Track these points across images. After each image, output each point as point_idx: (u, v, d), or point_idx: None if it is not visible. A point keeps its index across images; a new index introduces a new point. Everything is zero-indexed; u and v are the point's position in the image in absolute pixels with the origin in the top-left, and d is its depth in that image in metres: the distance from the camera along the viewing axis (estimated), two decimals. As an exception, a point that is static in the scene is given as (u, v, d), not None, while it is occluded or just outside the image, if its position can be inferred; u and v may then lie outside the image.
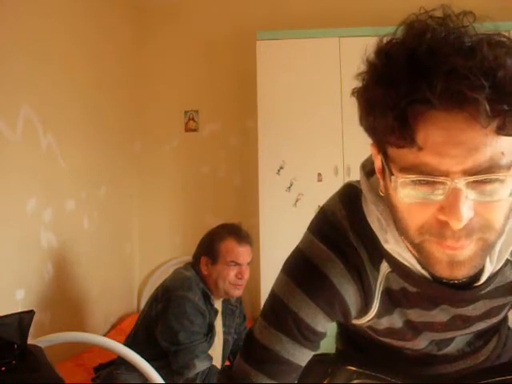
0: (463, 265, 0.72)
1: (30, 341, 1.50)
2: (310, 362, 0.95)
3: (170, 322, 2.02)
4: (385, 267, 0.87)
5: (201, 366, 1.96)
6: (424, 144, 0.66)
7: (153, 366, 1.84)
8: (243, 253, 2.16)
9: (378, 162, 0.76)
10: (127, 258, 3.59)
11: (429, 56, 0.67)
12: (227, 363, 2.33)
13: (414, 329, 0.93)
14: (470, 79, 0.63)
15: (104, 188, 3.23)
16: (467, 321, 0.90)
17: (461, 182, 0.66)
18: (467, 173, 0.66)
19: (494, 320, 0.93)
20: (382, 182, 0.77)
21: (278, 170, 3.25)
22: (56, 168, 2.67)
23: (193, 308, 2.03)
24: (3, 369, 1.37)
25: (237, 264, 2.13)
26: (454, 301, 0.87)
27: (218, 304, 2.20)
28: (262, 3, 3.72)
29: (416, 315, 0.90)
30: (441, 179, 0.67)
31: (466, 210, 0.67)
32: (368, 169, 0.87)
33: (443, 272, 0.74)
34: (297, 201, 3.23)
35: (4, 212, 2.23)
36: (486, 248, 0.73)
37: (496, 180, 0.67)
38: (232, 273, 2.12)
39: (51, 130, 2.59)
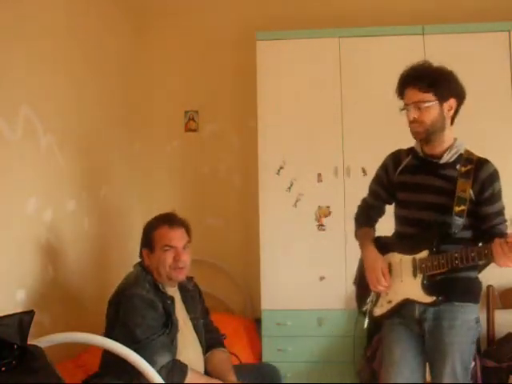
0: (425, 136, 1.95)
1: (30, 341, 1.50)
2: None
3: (123, 322, 2.03)
4: (409, 157, 2.07)
5: (161, 360, 1.96)
6: (405, 98, 1.97)
7: None
8: (175, 235, 2.17)
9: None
10: (128, 257, 3.58)
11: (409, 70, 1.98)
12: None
13: (418, 185, 1.99)
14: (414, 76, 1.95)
15: (104, 188, 3.23)
16: (436, 190, 1.94)
17: (410, 106, 1.92)
18: (411, 102, 1.92)
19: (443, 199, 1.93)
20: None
21: (278, 170, 3.25)
22: (56, 168, 2.66)
23: (141, 302, 2.04)
24: (3, 369, 1.37)
25: (171, 247, 2.15)
26: (431, 170, 1.97)
27: (172, 291, 2.20)
28: (261, 3, 3.72)
29: (418, 179, 2.00)
30: (405, 107, 1.95)
31: (413, 114, 1.92)
32: None
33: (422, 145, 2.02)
34: (297, 201, 3.23)
35: (4, 212, 2.22)
36: (425, 132, 1.93)
37: (422, 105, 1.90)
38: (169, 257, 2.14)
39: (51, 130, 2.59)
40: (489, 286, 3.00)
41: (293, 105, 3.27)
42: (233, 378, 2.16)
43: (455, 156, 1.96)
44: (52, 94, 2.62)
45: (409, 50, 3.17)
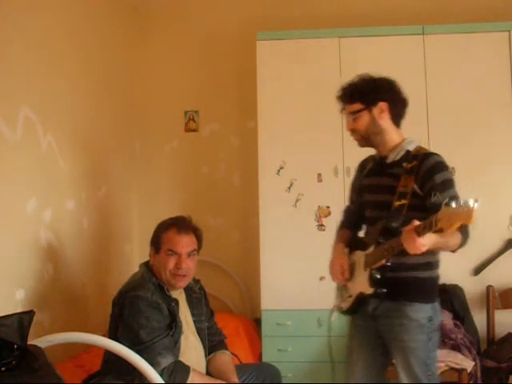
0: (364, 143, 2.13)
1: (29, 341, 1.50)
2: None
3: (127, 323, 2.03)
4: (373, 162, 2.16)
5: (164, 362, 1.96)
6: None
7: None
8: (181, 242, 2.15)
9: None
10: (127, 257, 3.59)
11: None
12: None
13: (373, 186, 2.11)
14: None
15: (104, 188, 3.23)
16: (385, 188, 2.02)
17: (347, 118, 2.12)
18: (347, 115, 2.11)
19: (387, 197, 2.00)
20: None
21: (278, 170, 3.25)
22: (56, 168, 2.67)
23: (146, 305, 2.04)
24: (3, 369, 1.37)
25: (174, 253, 2.14)
26: (382, 170, 2.07)
27: (177, 294, 2.20)
28: (262, 3, 3.72)
29: (372, 180, 2.12)
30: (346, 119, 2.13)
31: (349, 124, 2.12)
32: None
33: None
34: (297, 201, 3.23)
35: (4, 212, 2.23)
36: (363, 138, 2.10)
37: (353, 115, 2.07)
38: (171, 262, 2.13)
39: (51, 130, 2.59)
40: (489, 286, 3.00)
41: (293, 105, 3.26)
42: (235, 379, 2.16)
43: (401, 154, 2.03)
44: (52, 94, 2.62)
45: (409, 50, 3.19)
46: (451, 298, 2.96)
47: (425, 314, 1.97)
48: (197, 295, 2.31)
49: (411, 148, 2.04)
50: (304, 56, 3.27)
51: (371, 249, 2.00)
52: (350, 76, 3.24)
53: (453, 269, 3.09)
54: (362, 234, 2.25)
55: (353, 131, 2.10)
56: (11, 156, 2.28)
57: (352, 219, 2.29)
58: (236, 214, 3.74)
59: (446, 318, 2.83)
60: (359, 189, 2.21)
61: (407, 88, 3.17)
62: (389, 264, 1.91)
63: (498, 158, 3.13)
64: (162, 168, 3.83)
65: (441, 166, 1.96)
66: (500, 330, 2.98)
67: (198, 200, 3.74)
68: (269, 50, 3.26)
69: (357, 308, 2.10)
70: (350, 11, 3.57)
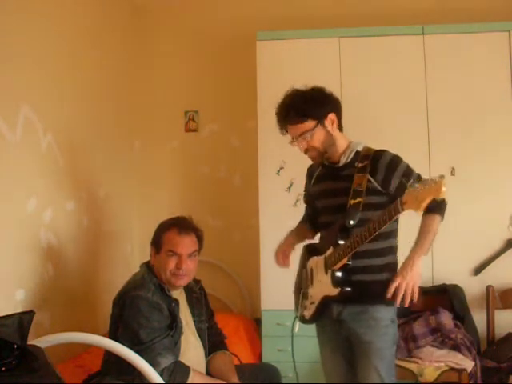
0: (321, 159, 2.09)
1: (29, 341, 1.50)
2: None
3: (127, 323, 2.03)
4: (319, 168, 2.17)
5: (164, 362, 1.96)
6: (290, 133, 2.06)
7: None
8: (182, 242, 2.15)
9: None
10: (127, 257, 3.59)
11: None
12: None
13: (326, 192, 2.11)
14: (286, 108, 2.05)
15: (104, 188, 3.23)
16: (339, 191, 2.03)
17: (297, 139, 2.03)
18: (294, 136, 2.04)
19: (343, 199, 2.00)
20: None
21: (278, 170, 3.25)
22: (56, 168, 2.67)
23: (147, 305, 2.04)
24: (3, 369, 1.37)
25: (175, 253, 2.14)
26: (333, 174, 2.08)
27: (177, 294, 2.20)
28: (262, 3, 3.72)
29: (324, 185, 2.13)
30: (293, 140, 2.06)
31: (303, 145, 2.04)
32: None
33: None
34: (297, 201, 3.22)
35: (4, 212, 2.23)
36: (320, 154, 2.06)
37: (307, 134, 2.01)
38: (171, 262, 2.13)
39: (51, 130, 2.59)
40: (489, 286, 3.00)
41: (293, 105, 3.26)
42: (235, 379, 2.16)
43: (351, 155, 2.06)
44: (52, 93, 2.62)
45: (409, 50, 3.18)
46: (451, 297, 2.96)
47: (388, 316, 2.00)
48: (197, 295, 2.31)
49: (360, 148, 2.08)
50: (304, 56, 3.27)
51: (330, 251, 2.00)
52: (350, 76, 3.29)
53: (453, 269, 3.10)
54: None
55: (307, 150, 2.06)
56: (11, 156, 2.28)
57: (310, 222, 2.32)
58: (236, 214, 3.74)
59: (446, 318, 2.83)
60: (311, 196, 2.23)
61: (407, 88, 3.20)
62: (350, 263, 1.92)
63: (497, 157, 3.12)
64: (162, 168, 3.83)
65: (397, 159, 2.00)
66: (500, 330, 2.98)
67: (198, 200, 3.74)
68: (269, 50, 3.26)
69: (320, 314, 2.10)
70: (349, 11, 3.56)
